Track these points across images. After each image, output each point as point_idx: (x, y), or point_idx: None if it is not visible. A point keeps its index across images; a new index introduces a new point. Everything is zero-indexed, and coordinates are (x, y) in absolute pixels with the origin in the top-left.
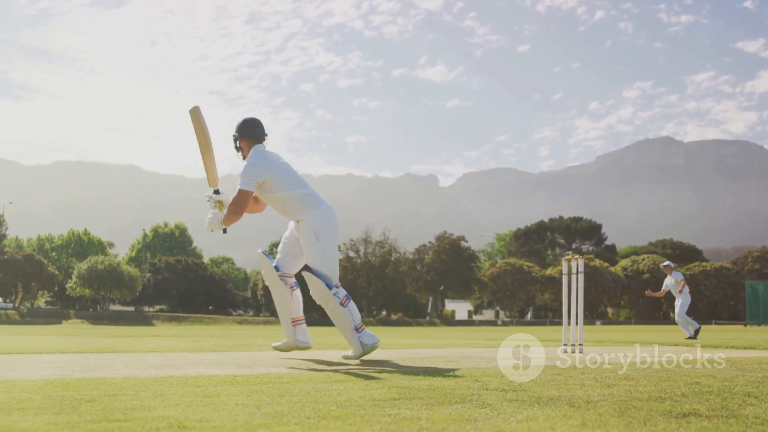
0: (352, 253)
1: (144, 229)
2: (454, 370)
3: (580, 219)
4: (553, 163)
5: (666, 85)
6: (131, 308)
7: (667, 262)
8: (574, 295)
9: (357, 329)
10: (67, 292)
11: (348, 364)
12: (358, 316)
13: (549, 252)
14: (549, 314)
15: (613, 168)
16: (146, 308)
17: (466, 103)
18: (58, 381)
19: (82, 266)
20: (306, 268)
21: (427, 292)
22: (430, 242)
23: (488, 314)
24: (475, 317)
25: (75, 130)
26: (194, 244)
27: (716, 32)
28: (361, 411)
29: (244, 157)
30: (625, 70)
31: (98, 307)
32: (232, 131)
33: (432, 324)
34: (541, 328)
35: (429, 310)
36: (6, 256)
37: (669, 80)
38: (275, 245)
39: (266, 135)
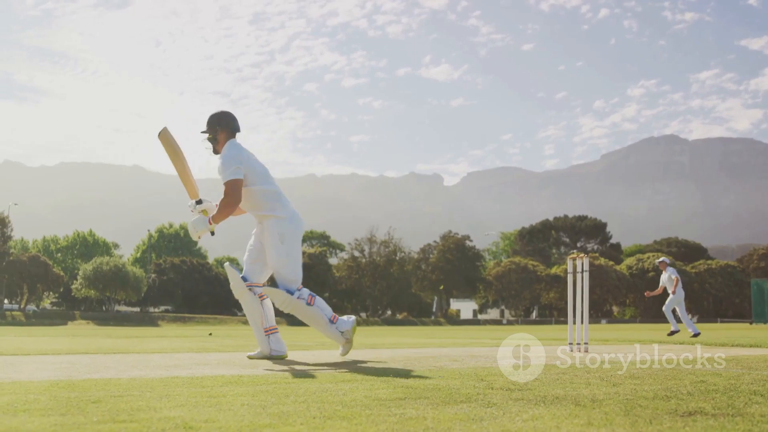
0: (357, 253)
1: (149, 230)
2: (459, 369)
3: (585, 218)
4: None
5: (670, 83)
6: (136, 309)
7: (662, 258)
8: (579, 293)
9: (332, 321)
10: (73, 293)
11: (350, 361)
12: (328, 309)
13: (554, 251)
14: (554, 313)
15: (617, 166)
16: (151, 309)
17: (470, 102)
18: (64, 382)
19: (87, 267)
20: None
21: (432, 292)
22: (434, 241)
23: (493, 313)
24: (480, 316)
25: (79, 131)
26: (199, 245)
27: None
28: (366, 411)
29: (216, 151)
30: (629, 68)
31: (103, 308)
32: (208, 123)
33: (437, 323)
34: (546, 327)
35: (434, 310)
36: (11, 258)
37: (673, 78)
38: None
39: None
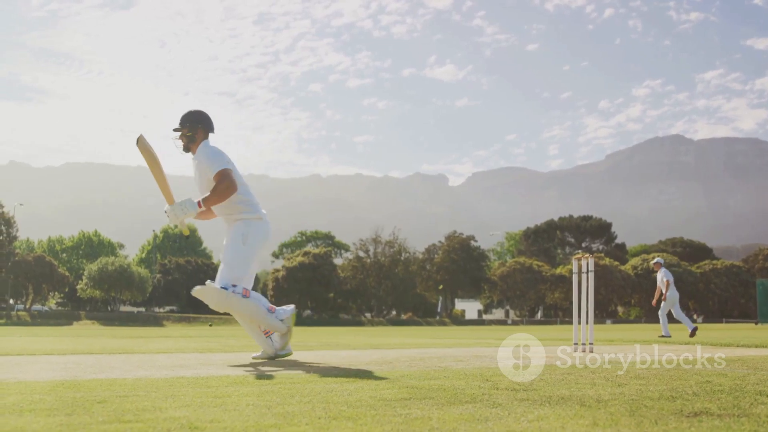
0: (361, 253)
1: (154, 230)
2: (464, 369)
3: (590, 218)
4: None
5: (675, 83)
6: (141, 309)
7: (656, 259)
8: (584, 294)
9: (270, 311)
10: (78, 294)
11: (354, 362)
12: (265, 300)
13: (559, 251)
14: (559, 313)
15: (622, 166)
16: (156, 309)
17: (475, 103)
18: (69, 382)
19: (92, 267)
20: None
21: (437, 292)
22: (439, 242)
23: (498, 313)
24: (485, 317)
25: (84, 132)
26: (204, 245)
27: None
28: (371, 411)
29: (187, 149)
30: (634, 68)
31: (109, 308)
32: (186, 120)
33: (442, 323)
34: (551, 327)
35: (439, 310)
36: (17, 258)
37: (678, 78)
38: (284, 246)
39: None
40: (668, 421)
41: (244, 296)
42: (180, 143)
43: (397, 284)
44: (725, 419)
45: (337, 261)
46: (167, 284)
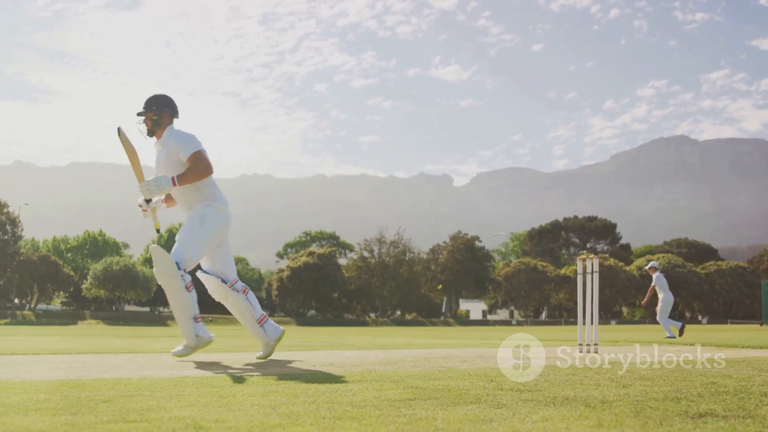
0: (366, 253)
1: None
2: (468, 370)
3: (595, 218)
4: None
5: (681, 84)
6: (146, 309)
7: (650, 264)
8: (589, 294)
9: (195, 319)
10: (83, 293)
11: (359, 362)
12: (197, 307)
13: (563, 251)
14: (564, 314)
15: (627, 167)
16: (161, 309)
17: (479, 103)
18: (74, 382)
19: (97, 267)
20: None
21: (442, 292)
22: (444, 242)
23: (503, 314)
24: (489, 317)
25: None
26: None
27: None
28: (376, 411)
29: (151, 133)
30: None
31: (113, 307)
32: (151, 104)
33: (446, 324)
34: (555, 327)
35: (443, 310)
36: (22, 258)
37: (684, 78)
38: (289, 246)
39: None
40: (673, 422)
41: (187, 288)
42: (144, 127)
43: (401, 284)
44: (730, 420)
45: (342, 261)
46: None
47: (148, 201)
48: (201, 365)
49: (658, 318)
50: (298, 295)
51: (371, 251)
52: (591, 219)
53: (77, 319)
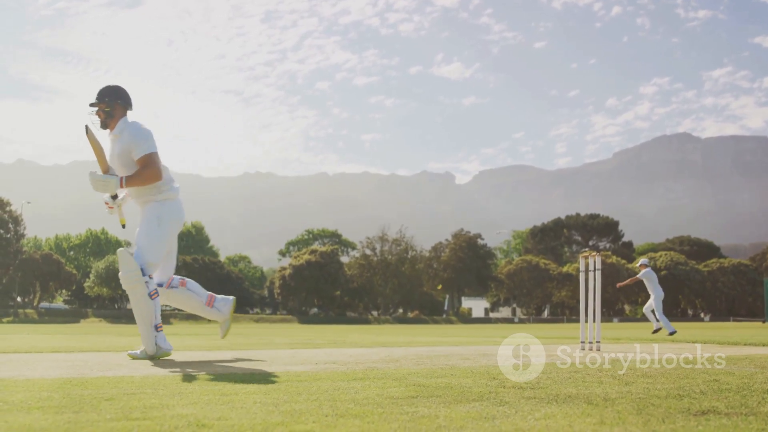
0: (368, 251)
1: None
2: (471, 367)
3: (597, 216)
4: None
5: (683, 81)
6: None
7: (641, 261)
8: (591, 292)
9: (156, 328)
10: (85, 291)
11: (361, 360)
12: (159, 315)
13: (566, 249)
14: (566, 312)
15: (630, 164)
16: (164, 306)
17: (482, 101)
18: (77, 380)
19: (99, 265)
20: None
21: (444, 290)
22: (446, 240)
23: (505, 312)
24: (491, 315)
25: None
26: (211, 243)
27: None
28: (378, 409)
29: (105, 125)
30: (642, 66)
31: (116, 306)
32: (104, 95)
33: (449, 322)
34: (558, 325)
35: (446, 308)
36: (24, 256)
37: (686, 76)
38: (291, 244)
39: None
40: (676, 420)
41: (150, 296)
42: (97, 119)
43: (403, 282)
44: (733, 418)
45: (344, 259)
46: None
47: (114, 197)
48: (202, 364)
49: (656, 315)
50: (300, 293)
51: (373, 249)
52: (593, 217)
53: (79, 318)
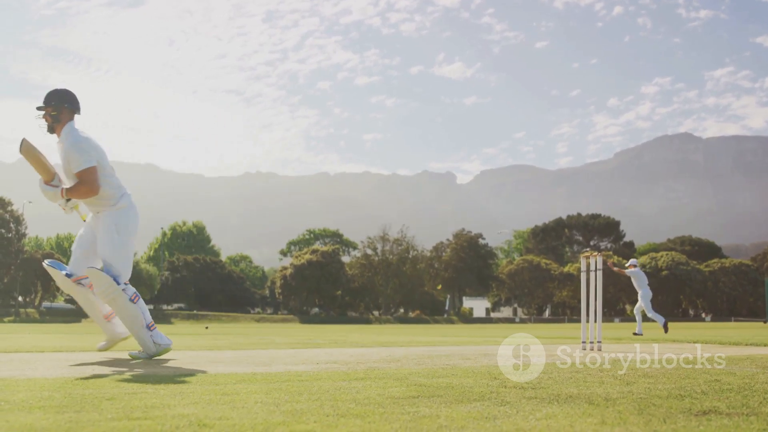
0: (369, 251)
1: (162, 228)
2: (472, 367)
3: (598, 216)
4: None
5: (685, 81)
6: (150, 306)
7: (630, 261)
8: (592, 292)
9: (149, 327)
10: None
11: (363, 360)
12: (148, 315)
13: (567, 249)
14: (567, 311)
15: (631, 164)
16: (165, 306)
17: (483, 100)
18: (78, 379)
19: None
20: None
21: (445, 290)
22: (447, 240)
23: (506, 311)
24: (492, 315)
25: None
26: (212, 243)
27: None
28: (380, 409)
29: (52, 130)
30: (643, 65)
31: None
32: (51, 99)
33: (450, 321)
34: (559, 325)
35: (447, 308)
36: (26, 256)
37: (688, 76)
38: (292, 244)
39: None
40: (677, 420)
41: (132, 300)
42: (44, 123)
43: (404, 282)
44: (734, 418)
45: (345, 259)
46: (175, 282)
47: (68, 200)
48: (203, 363)
49: (647, 313)
50: (301, 292)
51: (374, 249)
52: (594, 217)
53: (81, 317)
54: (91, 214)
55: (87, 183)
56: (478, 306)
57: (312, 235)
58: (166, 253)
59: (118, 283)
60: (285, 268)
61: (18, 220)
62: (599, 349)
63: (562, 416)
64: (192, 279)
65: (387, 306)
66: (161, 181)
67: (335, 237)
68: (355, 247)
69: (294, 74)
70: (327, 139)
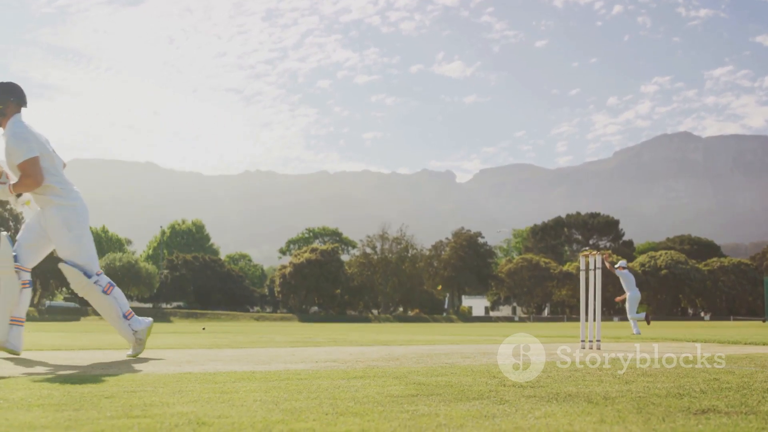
0: (369, 250)
1: (162, 227)
2: (471, 366)
3: (598, 215)
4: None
5: (684, 80)
6: (149, 305)
7: (619, 263)
8: (591, 291)
9: (126, 317)
10: None
11: (361, 358)
12: (125, 302)
13: (566, 248)
14: (566, 310)
15: (630, 163)
16: (164, 305)
17: (483, 99)
18: (77, 377)
19: (100, 263)
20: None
21: (444, 289)
22: (447, 238)
23: (505, 310)
24: (492, 313)
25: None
26: (211, 241)
27: (735, 26)
28: (379, 407)
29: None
30: (643, 64)
31: None
32: None
33: (449, 320)
34: (558, 324)
35: (446, 307)
36: None
37: (687, 75)
38: (292, 242)
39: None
40: (676, 419)
41: (106, 292)
42: None
43: (404, 281)
44: (733, 417)
45: (345, 257)
46: (174, 280)
47: (18, 195)
48: (202, 362)
49: (627, 314)
50: (300, 291)
51: (374, 248)
52: (594, 216)
53: (80, 315)
54: (37, 205)
55: (30, 175)
56: (477, 305)
57: (311, 234)
58: (166, 251)
59: (90, 276)
60: (284, 267)
61: (17, 219)
62: (598, 348)
63: (561, 415)
64: (191, 277)
65: (386, 305)
66: (161, 180)
67: (335, 236)
68: (354, 246)
69: (294, 73)
70: (327, 138)
